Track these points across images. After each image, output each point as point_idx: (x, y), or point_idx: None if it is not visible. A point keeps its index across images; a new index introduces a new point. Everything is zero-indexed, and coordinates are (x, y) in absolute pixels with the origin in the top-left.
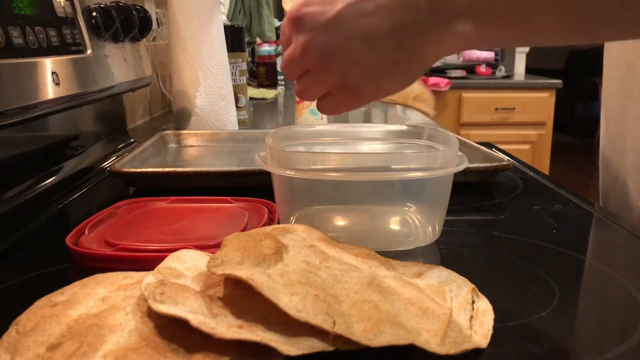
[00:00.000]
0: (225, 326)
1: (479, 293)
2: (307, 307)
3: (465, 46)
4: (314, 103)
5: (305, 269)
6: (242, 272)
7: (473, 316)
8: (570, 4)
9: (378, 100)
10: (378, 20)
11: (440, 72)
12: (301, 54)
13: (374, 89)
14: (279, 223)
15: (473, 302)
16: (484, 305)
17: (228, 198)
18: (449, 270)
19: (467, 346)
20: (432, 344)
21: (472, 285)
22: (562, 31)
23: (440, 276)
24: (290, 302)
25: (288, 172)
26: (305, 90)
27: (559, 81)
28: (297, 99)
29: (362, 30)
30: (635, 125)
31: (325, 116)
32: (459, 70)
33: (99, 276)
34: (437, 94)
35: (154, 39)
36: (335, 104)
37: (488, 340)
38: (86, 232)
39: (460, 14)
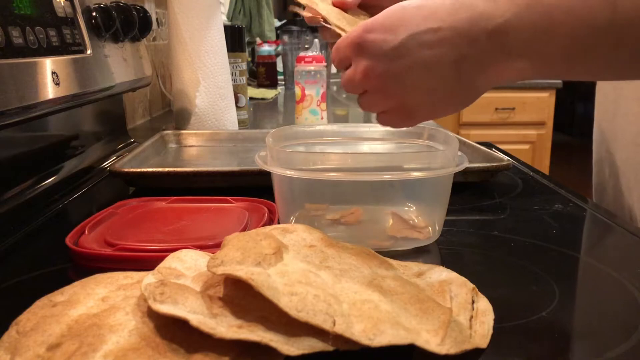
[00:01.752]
0: (225, 326)
1: (479, 293)
2: (307, 307)
3: (520, 79)
4: (314, 103)
5: (305, 269)
6: (242, 272)
7: (473, 316)
8: (616, 56)
9: (430, 119)
10: (440, 52)
11: None
12: (362, 77)
13: (429, 113)
14: (279, 223)
15: (473, 302)
16: (484, 305)
17: (228, 198)
18: (449, 270)
19: (467, 346)
20: (432, 344)
21: (472, 285)
22: (609, 71)
23: (440, 276)
24: (290, 302)
25: (288, 172)
26: (367, 106)
27: (559, 81)
28: (297, 98)
29: (424, 60)
30: (626, 123)
31: (325, 116)
32: None
33: (99, 276)
34: None
35: (154, 39)
36: (393, 121)
37: (488, 340)
38: (86, 232)
39: (518, 51)
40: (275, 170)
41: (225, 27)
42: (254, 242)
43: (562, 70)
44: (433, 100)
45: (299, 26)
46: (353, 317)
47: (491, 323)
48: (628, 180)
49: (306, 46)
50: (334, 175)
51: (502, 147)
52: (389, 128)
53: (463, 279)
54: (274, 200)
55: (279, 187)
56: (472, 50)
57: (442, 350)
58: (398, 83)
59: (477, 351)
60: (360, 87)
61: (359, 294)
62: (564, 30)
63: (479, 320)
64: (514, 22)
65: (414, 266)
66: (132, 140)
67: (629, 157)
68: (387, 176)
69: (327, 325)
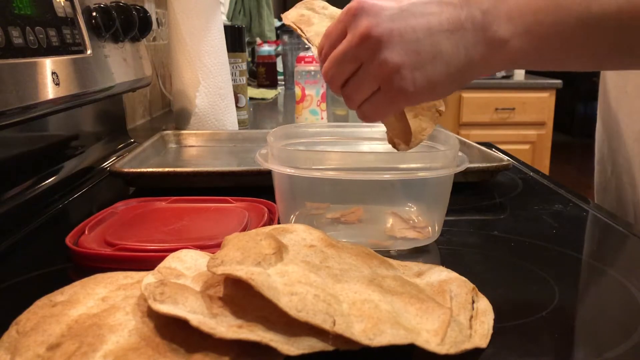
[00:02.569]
0: (225, 326)
1: (479, 293)
2: (307, 307)
3: (511, 62)
4: (314, 103)
5: (305, 269)
6: (242, 272)
7: (473, 316)
8: (601, 38)
9: (423, 101)
10: (442, 20)
11: None
12: (360, 40)
13: (424, 87)
14: (279, 222)
15: (473, 302)
16: (484, 305)
17: (228, 198)
18: (449, 270)
19: (467, 346)
20: (432, 344)
21: (472, 285)
22: (593, 58)
23: (440, 276)
24: (290, 302)
25: (289, 170)
26: (354, 90)
27: (559, 81)
28: (297, 98)
29: (428, 24)
30: (629, 120)
31: (325, 116)
32: None
33: (99, 276)
34: None
35: (154, 39)
36: (381, 103)
37: (488, 340)
38: (86, 232)
39: (509, 30)
40: (276, 168)
41: (225, 27)
42: (254, 242)
43: (549, 54)
44: (431, 70)
45: None
46: (353, 317)
47: (491, 323)
48: (632, 177)
49: (306, 46)
50: (334, 174)
51: (502, 147)
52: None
53: (463, 278)
54: (274, 200)
55: (279, 185)
56: (468, 24)
57: (442, 350)
58: (401, 44)
59: (477, 351)
60: (355, 57)
61: (359, 293)
62: (548, 12)
63: (479, 320)
64: (506, 3)
65: (413, 266)
66: (132, 140)
67: (632, 155)
68: (387, 176)
69: (327, 325)
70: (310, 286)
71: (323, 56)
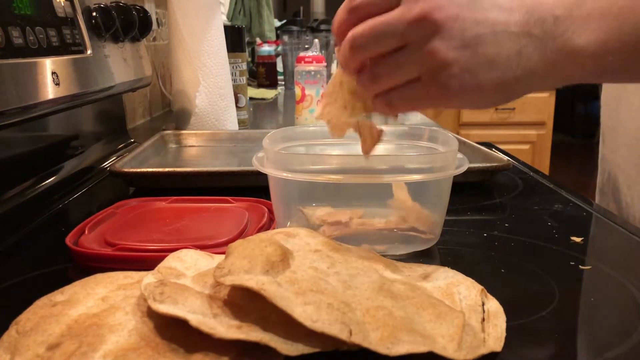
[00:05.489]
0: (225, 326)
1: (488, 294)
2: (322, 316)
3: (577, 74)
4: (314, 103)
5: (314, 276)
6: (252, 282)
7: (485, 319)
8: None
9: (458, 107)
10: (510, 19)
11: None
12: (416, 18)
13: (472, 91)
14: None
15: (483, 304)
16: (495, 307)
17: (228, 198)
18: (455, 272)
19: (483, 351)
20: (450, 350)
21: (480, 287)
22: None
23: (446, 277)
24: (304, 313)
25: (284, 174)
26: (389, 71)
27: None
28: (297, 98)
29: (494, 20)
30: (628, 119)
31: None
32: None
33: (99, 276)
34: None
35: (154, 39)
36: (416, 95)
37: (502, 344)
38: (86, 232)
39: (583, 38)
40: (272, 172)
41: (225, 27)
42: (260, 249)
43: (622, 62)
44: (484, 76)
45: (298, 26)
46: (368, 325)
47: (504, 325)
48: (629, 177)
49: (306, 46)
50: (331, 178)
51: (502, 147)
52: (388, 128)
53: (470, 280)
54: None
55: (275, 189)
56: (537, 29)
57: (460, 356)
58: (461, 37)
59: (490, 354)
60: (403, 36)
61: (371, 300)
62: (631, 17)
63: (491, 322)
64: (581, 7)
65: (418, 268)
66: (132, 140)
67: (630, 153)
68: (386, 179)
69: (343, 335)
70: (322, 294)
71: (353, 11)
